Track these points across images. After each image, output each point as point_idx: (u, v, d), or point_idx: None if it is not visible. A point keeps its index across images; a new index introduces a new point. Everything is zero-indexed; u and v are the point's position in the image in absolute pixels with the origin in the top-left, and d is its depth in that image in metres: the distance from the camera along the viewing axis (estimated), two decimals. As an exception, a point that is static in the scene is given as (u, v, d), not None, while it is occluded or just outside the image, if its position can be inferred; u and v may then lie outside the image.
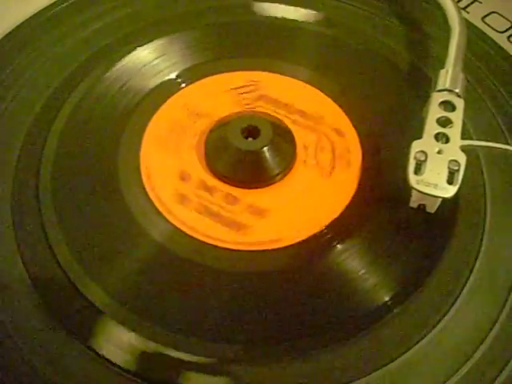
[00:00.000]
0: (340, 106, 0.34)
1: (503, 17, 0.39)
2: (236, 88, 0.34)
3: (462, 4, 0.40)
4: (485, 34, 0.38)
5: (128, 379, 0.25)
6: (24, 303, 0.27)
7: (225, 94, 0.34)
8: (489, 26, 0.39)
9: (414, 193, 0.28)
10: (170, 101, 0.34)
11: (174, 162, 0.32)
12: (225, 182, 0.31)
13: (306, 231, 0.29)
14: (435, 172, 0.27)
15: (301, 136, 0.32)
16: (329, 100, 0.34)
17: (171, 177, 0.31)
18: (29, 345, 0.26)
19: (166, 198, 0.30)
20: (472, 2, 0.40)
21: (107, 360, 0.26)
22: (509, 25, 0.39)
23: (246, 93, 0.34)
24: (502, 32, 0.38)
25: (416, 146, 0.28)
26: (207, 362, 0.26)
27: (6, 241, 0.29)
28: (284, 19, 0.38)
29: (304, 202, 0.30)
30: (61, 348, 0.26)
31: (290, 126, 0.32)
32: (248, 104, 0.34)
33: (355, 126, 0.33)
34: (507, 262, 0.29)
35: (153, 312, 0.27)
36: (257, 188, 0.31)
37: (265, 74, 0.35)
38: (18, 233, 0.29)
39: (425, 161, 0.28)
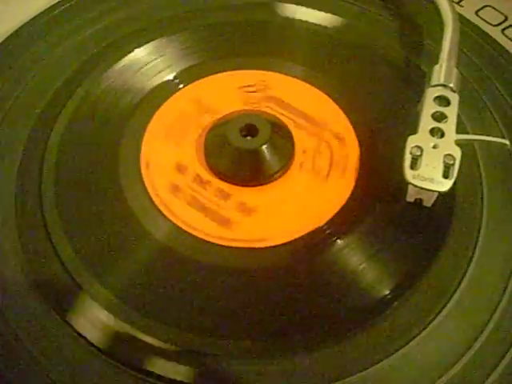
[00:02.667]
0: (338, 103, 0.34)
1: (497, 10, 0.39)
2: (245, 86, 0.35)
3: (455, -2, 0.40)
4: (479, 27, 0.38)
5: (132, 375, 0.26)
6: (27, 301, 0.27)
7: (234, 92, 0.35)
8: (483, 19, 0.39)
9: (410, 187, 0.29)
10: (179, 93, 0.34)
11: (174, 153, 0.32)
12: (221, 178, 0.31)
13: (293, 233, 0.29)
14: (431, 166, 0.28)
15: (302, 140, 0.32)
16: (330, 101, 0.34)
17: (169, 169, 0.31)
18: (32, 341, 0.26)
19: (161, 190, 0.31)
20: (466, -4, 0.40)
21: (110, 356, 0.26)
22: (502, 18, 0.39)
23: (255, 92, 0.35)
24: (496, 25, 0.38)
25: (412, 141, 0.28)
26: (193, 355, 0.26)
27: (10, 240, 0.29)
28: (297, 20, 0.38)
29: (295, 204, 0.30)
30: (65, 345, 0.26)
31: (294, 129, 0.32)
32: (255, 103, 0.34)
33: (355, 128, 0.33)
34: (504, 255, 0.29)
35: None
36: (253, 186, 0.31)
37: (274, 74, 0.35)
38: (21, 232, 0.29)
39: (420, 155, 0.28)
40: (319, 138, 0.33)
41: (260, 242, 0.29)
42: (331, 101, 0.34)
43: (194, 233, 0.29)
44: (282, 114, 0.33)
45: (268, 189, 0.31)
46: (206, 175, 0.31)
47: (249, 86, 0.35)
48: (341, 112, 0.34)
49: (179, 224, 0.30)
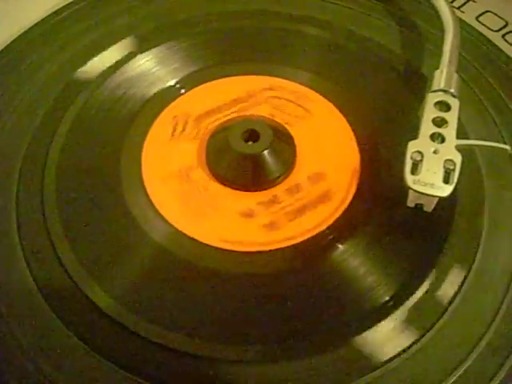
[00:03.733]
0: (339, 109, 0.34)
1: (497, 15, 0.39)
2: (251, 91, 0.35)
3: (456, 3, 0.40)
4: (480, 33, 0.38)
5: (133, 379, 0.26)
6: (30, 306, 0.28)
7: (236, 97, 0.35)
8: (483, 24, 0.39)
9: (410, 192, 0.29)
10: (181, 98, 0.35)
11: (176, 157, 0.32)
12: (222, 183, 0.31)
13: (294, 237, 0.30)
14: (431, 172, 0.28)
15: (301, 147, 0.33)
16: (332, 106, 0.34)
17: (170, 173, 0.32)
18: (34, 347, 0.26)
19: (162, 193, 0.31)
20: (466, 2, 0.40)
21: (110, 360, 0.26)
22: (503, 23, 0.39)
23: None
24: (497, 31, 0.39)
25: (412, 147, 0.28)
26: (204, 362, 0.26)
27: (11, 245, 0.29)
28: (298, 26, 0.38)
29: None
30: (66, 350, 0.26)
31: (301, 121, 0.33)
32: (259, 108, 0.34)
33: (355, 134, 0.33)
34: (505, 259, 0.29)
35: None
36: (254, 191, 0.31)
37: (278, 80, 0.36)
38: (23, 239, 0.29)
39: (421, 161, 0.28)
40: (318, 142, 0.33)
41: (261, 246, 0.29)
42: (332, 106, 0.34)
43: (196, 238, 0.29)
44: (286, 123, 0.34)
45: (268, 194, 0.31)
46: (208, 179, 0.31)
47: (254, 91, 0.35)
48: (341, 116, 0.34)
49: (180, 228, 0.30)
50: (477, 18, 0.39)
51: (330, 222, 0.30)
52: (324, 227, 0.30)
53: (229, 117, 0.34)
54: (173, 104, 0.34)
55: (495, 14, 0.40)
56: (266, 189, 0.31)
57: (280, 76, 0.36)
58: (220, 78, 0.35)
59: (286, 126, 0.33)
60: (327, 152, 0.33)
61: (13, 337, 0.27)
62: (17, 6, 0.40)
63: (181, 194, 0.31)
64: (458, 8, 0.40)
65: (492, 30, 0.39)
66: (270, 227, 0.30)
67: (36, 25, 0.39)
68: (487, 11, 0.40)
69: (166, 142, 0.33)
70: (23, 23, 0.38)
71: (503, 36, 0.38)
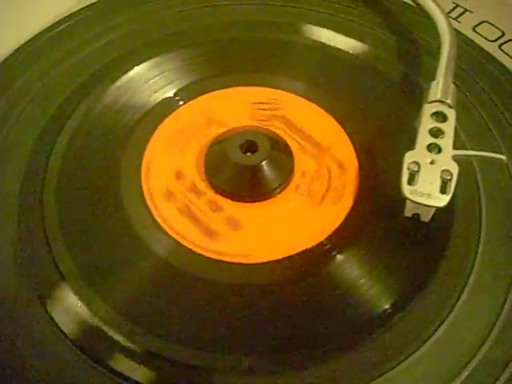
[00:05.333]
0: (341, 124, 0.34)
1: (494, 26, 0.40)
2: (257, 103, 0.35)
3: (453, 14, 0.40)
4: (476, 43, 0.38)
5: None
6: (28, 315, 0.28)
7: (244, 107, 0.35)
8: (480, 35, 0.39)
9: (408, 203, 0.29)
10: (190, 104, 0.35)
11: (176, 166, 0.32)
12: (221, 193, 0.31)
13: (280, 252, 0.30)
14: (428, 182, 0.28)
15: (303, 163, 0.33)
16: (338, 127, 0.34)
17: (169, 182, 0.32)
18: (34, 357, 0.27)
19: (161, 205, 0.31)
20: (463, 12, 0.41)
21: (109, 369, 0.26)
22: (500, 34, 0.39)
23: (265, 109, 0.35)
24: (493, 41, 0.39)
25: (409, 157, 0.29)
26: (201, 372, 0.26)
27: (11, 253, 0.29)
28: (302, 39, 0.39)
29: (282, 225, 0.31)
30: (65, 360, 0.27)
31: (297, 152, 0.33)
32: (263, 120, 0.34)
33: (354, 143, 0.33)
34: (503, 269, 0.29)
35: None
36: (250, 202, 0.31)
37: (286, 94, 0.36)
38: (22, 250, 0.30)
39: (418, 171, 0.28)
40: (320, 163, 0.33)
41: (246, 258, 0.29)
42: (335, 121, 0.35)
43: (186, 244, 0.30)
44: (287, 134, 0.34)
45: (262, 206, 0.31)
46: (202, 185, 0.32)
47: (261, 102, 0.35)
48: (340, 127, 0.34)
49: (179, 239, 0.30)
50: (473, 29, 0.40)
51: (329, 232, 0.30)
52: (323, 238, 0.30)
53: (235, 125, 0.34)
54: (175, 112, 0.35)
55: (492, 25, 0.40)
56: (261, 200, 0.31)
57: (303, 95, 0.36)
58: (245, 85, 0.36)
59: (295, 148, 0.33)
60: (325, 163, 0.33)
61: (12, 347, 0.27)
62: (17, 16, 0.40)
63: (181, 206, 0.31)
64: (455, 18, 0.40)
65: (489, 40, 0.39)
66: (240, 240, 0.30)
67: (36, 36, 0.39)
68: (484, 21, 0.40)
69: (168, 151, 0.33)
70: (22, 35, 0.39)
71: (500, 46, 0.39)
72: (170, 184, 0.32)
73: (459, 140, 0.32)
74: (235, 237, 0.30)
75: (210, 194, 0.31)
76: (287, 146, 0.33)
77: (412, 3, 0.39)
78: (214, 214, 0.31)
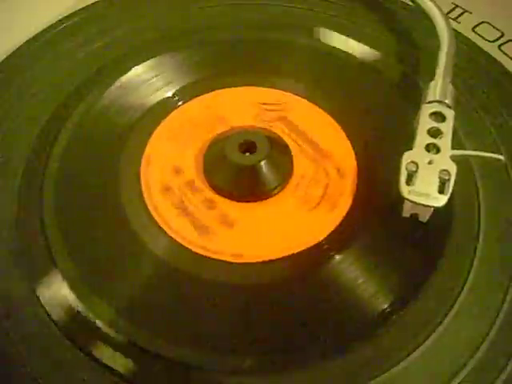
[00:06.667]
0: (340, 124, 0.34)
1: (493, 26, 0.40)
2: (263, 104, 0.35)
3: (452, 15, 0.40)
4: (475, 43, 0.38)
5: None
6: (30, 318, 0.28)
7: (250, 107, 0.35)
8: (479, 35, 0.39)
9: (406, 203, 0.29)
10: (196, 100, 0.35)
11: (176, 166, 0.33)
12: (217, 192, 0.31)
13: (275, 253, 0.29)
14: (426, 182, 0.28)
15: (302, 165, 0.33)
16: (339, 128, 0.34)
17: (167, 174, 0.32)
18: (35, 358, 0.27)
19: (161, 207, 0.31)
20: (462, 13, 0.41)
21: (114, 374, 0.26)
22: (499, 34, 0.39)
23: (271, 110, 0.35)
24: (493, 41, 0.39)
25: (407, 157, 0.29)
26: (202, 373, 0.26)
27: (12, 259, 0.29)
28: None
29: (278, 225, 0.31)
30: (67, 362, 0.27)
31: (297, 154, 0.33)
32: (266, 121, 0.34)
33: (351, 141, 0.33)
34: (502, 269, 0.29)
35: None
36: (247, 202, 0.31)
37: (294, 96, 0.36)
38: (22, 252, 0.30)
39: (416, 171, 0.28)
40: (319, 167, 0.33)
41: (239, 257, 0.29)
42: (330, 117, 0.35)
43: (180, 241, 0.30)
44: (290, 137, 0.34)
45: (256, 206, 0.31)
46: (199, 182, 0.32)
47: (267, 103, 0.35)
48: (339, 127, 0.34)
49: (179, 240, 0.30)
50: (473, 29, 0.40)
51: (327, 233, 0.30)
52: (321, 238, 0.30)
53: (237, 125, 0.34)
54: (200, 97, 0.35)
55: (491, 25, 0.40)
56: (258, 201, 0.31)
57: (309, 99, 0.36)
58: (253, 85, 0.36)
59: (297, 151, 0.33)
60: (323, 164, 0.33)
61: (13, 349, 0.27)
62: (16, 17, 0.41)
63: (181, 205, 0.31)
64: (455, 19, 0.40)
65: (488, 40, 0.39)
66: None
67: (35, 36, 0.39)
68: (483, 22, 0.40)
69: (176, 131, 0.33)
70: (21, 35, 0.39)
71: (499, 47, 0.39)
72: (169, 183, 0.32)
73: (458, 140, 0.32)
74: (229, 235, 0.30)
75: (208, 192, 0.31)
76: (287, 148, 0.33)
77: (411, 4, 0.39)
78: (209, 212, 0.31)
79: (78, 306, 0.28)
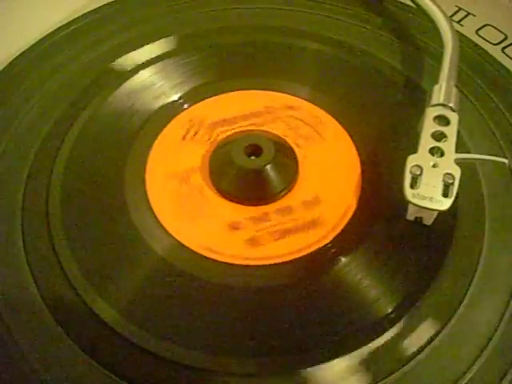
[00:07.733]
0: (341, 123, 0.35)
1: (497, 29, 0.40)
2: (266, 106, 0.36)
3: (456, 18, 0.41)
4: (479, 46, 0.39)
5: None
6: (35, 318, 0.28)
7: (256, 110, 0.35)
8: (483, 38, 0.39)
9: (410, 206, 0.29)
10: (201, 103, 0.36)
11: (181, 170, 0.33)
12: (224, 196, 0.32)
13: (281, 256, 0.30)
14: (430, 185, 0.28)
15: (307, 168, 0.33)
16: (342, 130, 0.35)
17: (173, 187, 0.32)
18: (38, 357, 0.27)
19: (165, 209, 0.31)
20: (466, 16, 0.41)
21: (114, 373, 0.27)
22: (503, 37, 0.39)
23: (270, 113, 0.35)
24: (496, 44, 0.39)
25: (411, 161, 0.29)
26: (204, 374, 0.27)
27: (16, 257, 0.30)
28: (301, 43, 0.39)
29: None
30: (69, 361, 0.27)
31: (302, 157, 0.33)
32: (269, 123, 0.35)
33: (357, 146, 0.34)
34: (506, 273, 0.29)
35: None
36: (255, 205, 0.31)
37: (287, 96, 0.36)
38: (28, 252, 0.30)
39: (420, 175, 0.28)
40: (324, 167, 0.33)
41: (247, 260, 0.30)
42: (335, 120, 0.35)
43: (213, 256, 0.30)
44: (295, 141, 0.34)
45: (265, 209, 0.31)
46: (212, 193, 0.32)
47: (268, 106, 0.35)
48: (342, 129, 0.34)
49: (182, 240, 0.30)
50: (476, 32, 0.40)
51: (332, 236, 0.30)
52: (327, 241, 0.30)
53: (243, 128, 0.34)
54: (209, 100, 0.36)
55: (495, 28, 0.40)
56: (268, 203, 0.31)
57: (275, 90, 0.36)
58: (237, 90, 0.36)
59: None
60: (330, 167, 0.33)
61: (16, 348, 0.27)
62: (18, 23, 0.41)
63: (185, 207, 0.31)
64: (458, 22, 0.40)
65: (492, 43, 0.39)
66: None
67: (40, 40, 0.39)
68: (487, 25, 0.40)
69: (172, 154, 0.33)
70: (26, 39, 0.39)
71: (503, 49, 0.39)
72: (174, 187, 0.32)
73: (461, 143, 0.32)
74: (234, 238, 0.30)
75: (214, 196, 0.32)
76: (292, 151, 0.33)
77: (415, 7, 0.39)
78: (218, 217, 0.31)
79: (80, 304, 0.28)
